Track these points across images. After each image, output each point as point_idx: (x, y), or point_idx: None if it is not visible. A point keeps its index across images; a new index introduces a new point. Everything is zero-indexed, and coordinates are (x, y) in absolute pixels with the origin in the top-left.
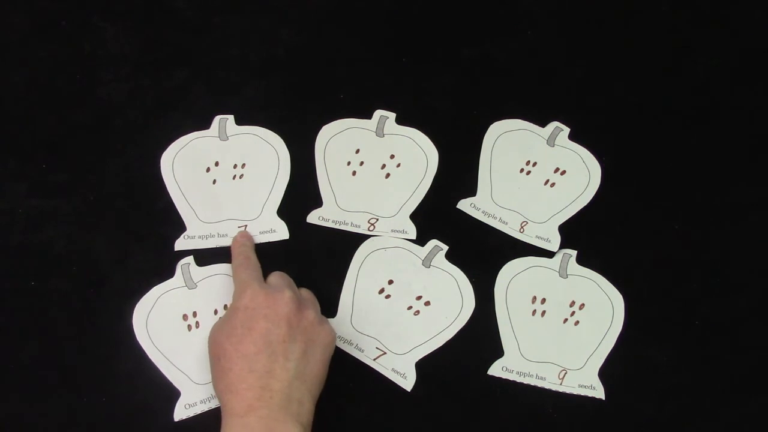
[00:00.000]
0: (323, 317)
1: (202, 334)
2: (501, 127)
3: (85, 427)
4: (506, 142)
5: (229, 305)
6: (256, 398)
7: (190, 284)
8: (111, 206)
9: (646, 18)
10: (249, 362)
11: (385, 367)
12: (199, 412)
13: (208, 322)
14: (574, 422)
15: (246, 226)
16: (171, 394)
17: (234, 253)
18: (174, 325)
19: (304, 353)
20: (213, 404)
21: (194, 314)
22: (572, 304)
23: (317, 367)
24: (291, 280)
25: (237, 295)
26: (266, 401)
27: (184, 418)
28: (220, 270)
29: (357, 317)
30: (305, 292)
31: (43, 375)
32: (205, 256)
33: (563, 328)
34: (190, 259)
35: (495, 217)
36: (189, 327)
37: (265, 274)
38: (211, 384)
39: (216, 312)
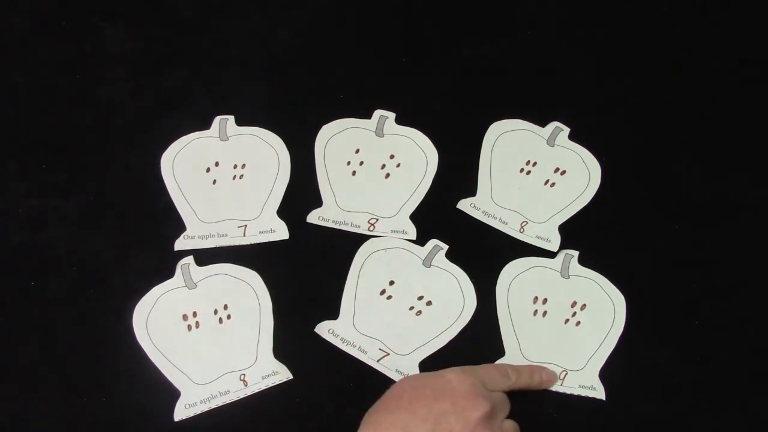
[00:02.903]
0: None
1: (202, 334)
2: (501, 127)
3: (85, 427)
4: (506, 142)
5: (229, 304)
6: None
7: (190, 284)
8: (111, 206)
9: (646, 18)
10: (413, 420)
11: (388, 368)
12: (199, 412)
13: (208, 322)
14: (574, 423)
15: (246, 226)
16: (171, 394)
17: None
18: (174, 325)
19: None
20: (213, 404)
21: (194, 314)
22: (573, 304)
23: None
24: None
25: (456, 369)
26: None
27: (184, 418)
28: (220, 270)
29: (359, 319)
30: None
31: (43, 375)
32: (205, 256)
33: (564, 329)
34: (189, 259)
35: (495, 217)
36: (189, 327)
37: (265, 275)
38: (211, 384)
39: (216, 312)
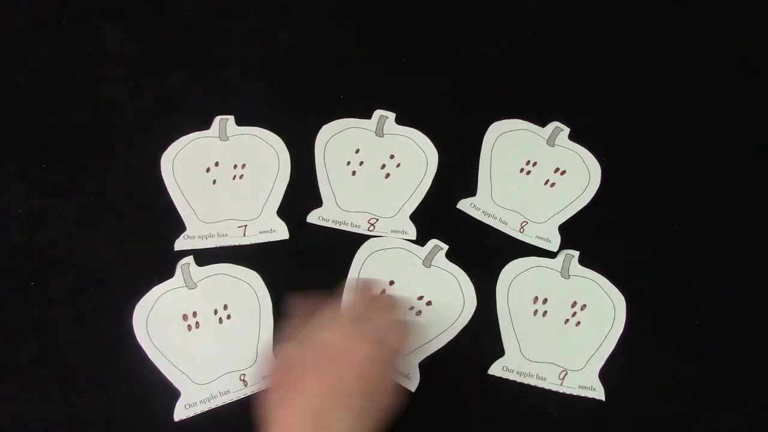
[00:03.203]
0: (397, 382)
1: (202, 334)
2: (501, 127)
3: (85, 427)
4: (506, 142)
5: (228, 304)
6: None
7: (190, 284)
8: (111, 206)
9: (646, 18)
10: (312, 403)
11: None
12: (199, 412)
13: (208, 322)
14: (574, 423)
15: (246, 226)
16: (171, 394)
17: (355, 283)
18: (174, 325)
19: (363, 412)
20: (213, 404)
21: (194, 314)
22: (574, 304)
23: (375, 429)
24: (399, 329)
25: (320, 324)
26: None
27: (183, 418)
28: (220, 270)
29: None
30: (395, 335)
31: (43, 375)
32: (205, 256)
33: (564, 329)
34: (189, 259)
35: (495, 217)
36: (189, 327)
37: (265, 275)
38: (210, 384)
39: (216, 312)
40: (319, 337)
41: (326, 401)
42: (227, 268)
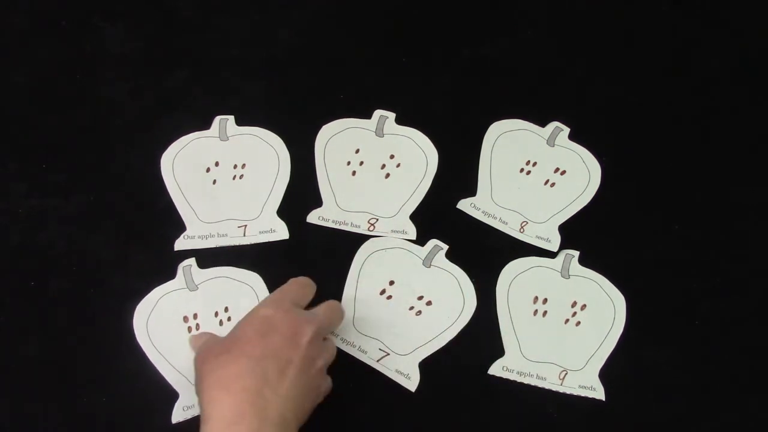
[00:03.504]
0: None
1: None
2: (501, 127)
3: (85, 427)
4: (506, 142)
5: (229, 307)
6: (250, 403)
7: (191, 286)
8: (111, 206)
9: (646, 18)
10: (252, 363)
11: (388, 368)
12: (197, 414)
13: (208, 324)
14: (574, 423)
15: (246, 226)
16: (171, 395)
17: (293, 280)
18: (174, 327)
19: (301, 386)
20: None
21: (195, 316)
22: (574, 304)
23: (307, 407)
24: (330, 321)
25: (262, 304)
26: (259, 411)
27: (181, 420)
28: (221, 273)
29: (359, 319)
30: (329, 343)
31: (43, 375)
32: (205, 257)
33: (564, 329)
34: (191, 261)
35: (495, 217)
36: (189, 329)
37: (265, 275)
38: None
39: (216, 314)
40: (258, 312)
41: (268, 362)
42: (228, 271)
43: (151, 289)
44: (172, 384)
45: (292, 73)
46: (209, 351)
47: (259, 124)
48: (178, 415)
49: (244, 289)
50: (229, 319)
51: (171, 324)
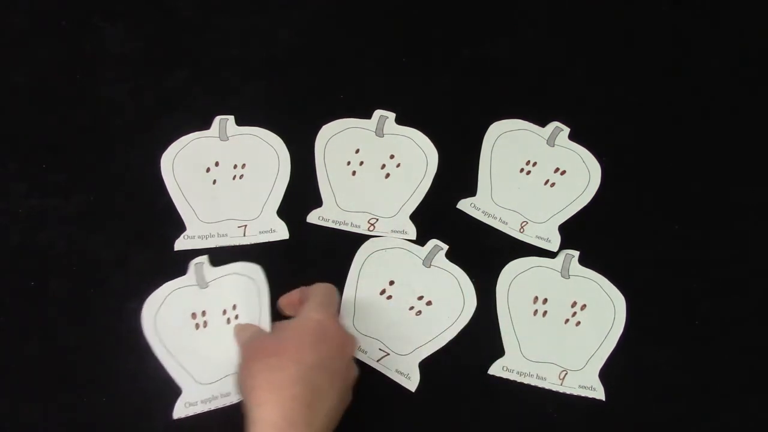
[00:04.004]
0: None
1: (210, 334)
2: (501, 127)
3: (85, 427)
4: (506, 142)
5: (237, 305)
6: (300, 413)
7: (202, 284)
8: (111, 206)
9: (646, 18)
10: (304, 371)
11: (388, 368)
12: (199, 411)
13: (215, 321)
14: (574, 423)
15: (246, 226)
16: (171, 395)
17: (325, 285)
18: (182, 323)
19: (342, 397)
20: (213, 405)
21: (203, 313)
22: (574, 304)
23: (340, 417)
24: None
25: (312, 308)
26: (308, 422)
27: (183, 416)
28: (233, 270)
29: (359, 319)
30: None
31: (43, 375)
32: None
33: (564, 329)
34: (204, 258)
35: (495, 217)
36: (197, 326)
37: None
38: (213, 385)
39: (225, 312)
40: (315, 317)
41: (319, 373)
42: (241, 267)
43: (151, 289)
44: (176, 379)
45: (292, 73)
46: (260, 348)
47: (259, 124)
48: (180, 410)
49: (254, 288)
50: (236, 317)
51: (179, 320)
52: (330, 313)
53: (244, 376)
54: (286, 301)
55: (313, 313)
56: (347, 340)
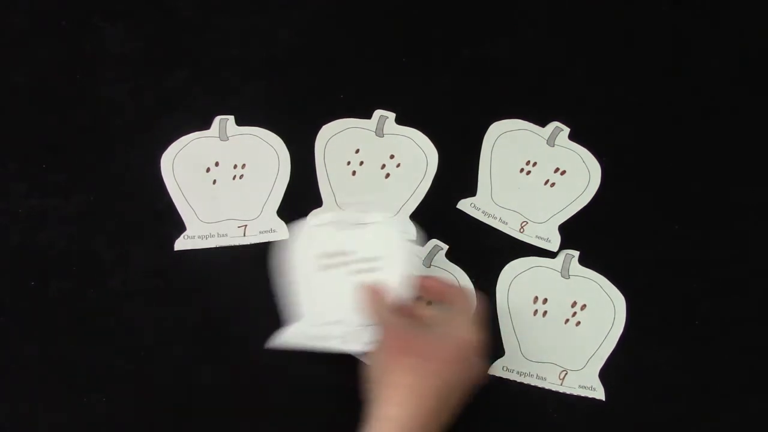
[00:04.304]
0: None
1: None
2: (501, 127)
3: (85, 427)
4: (506, 142)
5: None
6: (426, 427)
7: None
8: (111, 206)
9: (646, 18)
10: (444, 388)
11: None
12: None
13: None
14: (574, 423)
15: (246, 226)
16: (171, 395)
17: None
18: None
19: (450, 419)
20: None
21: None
22: (574, 304)
23: None
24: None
25: (471, 326)
26: None
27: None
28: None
29: None
30: None
31: (43, 375)
32: (205, 257)
33: (564, 329)
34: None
35: (495, 217)
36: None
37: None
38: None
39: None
40: (462, 333)
41: (451, 392)
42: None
43: (151, 288)
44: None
45: (292, 73)
46: (407, 345)
47: (259, 124)
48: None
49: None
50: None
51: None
52: (481, 337)
53: (383, 367)
54: (428, 283)
55: (466, 330)
56: (481, 369)
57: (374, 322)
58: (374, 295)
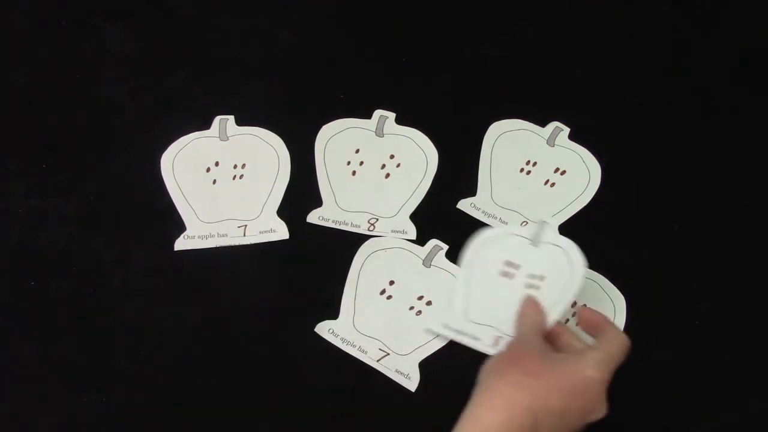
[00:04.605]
0: None
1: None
2: (501, 127)
3: (85, 427)
4: (506, 142)
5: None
6: None
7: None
8: (111, 206)
9: (646, 18)
10: (541, 412)
11: (388, 368)
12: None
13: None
14: None
15: (246, 226)
16: (171, 396)
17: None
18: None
19: None
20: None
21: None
22: (574, 304)
23: None
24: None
25: (598, 362)
26: None
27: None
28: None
29: (359, 319)
30: None
31: (43, 375)
32: (205, 256)
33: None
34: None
35: (495, 217)
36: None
37: (264, 274)
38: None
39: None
40: (585, 368)
41: (549, 420)
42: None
43: (151, 288)
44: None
45: (292, 73)
46: (526, 361)
47: (259, 124)
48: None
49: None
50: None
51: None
52: (606, 376)
53: (491, 371)
54: (585, 313)
55: (591, 367)
56: (598, 405)
57: (515, 334)
58: (530, 310)
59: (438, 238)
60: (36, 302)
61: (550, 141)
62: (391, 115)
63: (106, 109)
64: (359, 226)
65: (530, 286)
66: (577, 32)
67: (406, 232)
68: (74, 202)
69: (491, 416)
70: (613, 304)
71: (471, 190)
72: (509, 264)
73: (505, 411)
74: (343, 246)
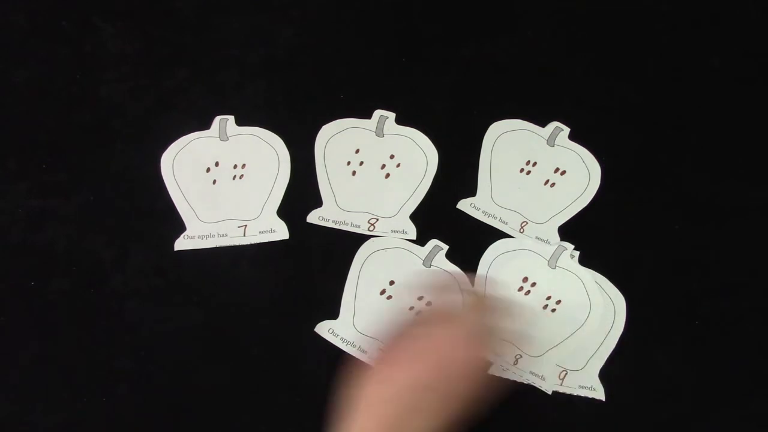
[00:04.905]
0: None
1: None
2: (501, 127)
3: (86, 426)
4: (506, 142)
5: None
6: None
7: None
8: (111, 206)
9: (646, 18)
10: (396, 392)
11: None
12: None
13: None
14: (574, 422)
15: (246, 226)
16: (170, 396)
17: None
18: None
19: (440, 416)
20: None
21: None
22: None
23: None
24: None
25: (456, 330)
26: None
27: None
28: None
29: (359, 319)
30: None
31: (43, 375)
32: (205, 256)
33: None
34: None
35: (495, 217)
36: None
37: (265, 274)
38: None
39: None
40: (437, 333)
41: (411, 392)
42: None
43: (151, 288)
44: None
45: (292, 73)
46: (378, 357)
47: (259, 124)
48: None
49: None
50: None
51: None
52: (454, 333)
53: (367, 372)
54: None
55: (438, 326)
56: (454, 358)
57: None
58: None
59: (438, 238)
60: (36, 302)
61: (550, 141)
62: (391, 115)
63: (106, 109)
64: (359, 226)
65: (545, 307)
66: (577, 32)
67: (406, 232)
68: (74, 202)
69: (356, 427)
70: (613, 304)
71: (471, 190)
72: (522, 280)
73: (366, 415)
74: (343, 246)
